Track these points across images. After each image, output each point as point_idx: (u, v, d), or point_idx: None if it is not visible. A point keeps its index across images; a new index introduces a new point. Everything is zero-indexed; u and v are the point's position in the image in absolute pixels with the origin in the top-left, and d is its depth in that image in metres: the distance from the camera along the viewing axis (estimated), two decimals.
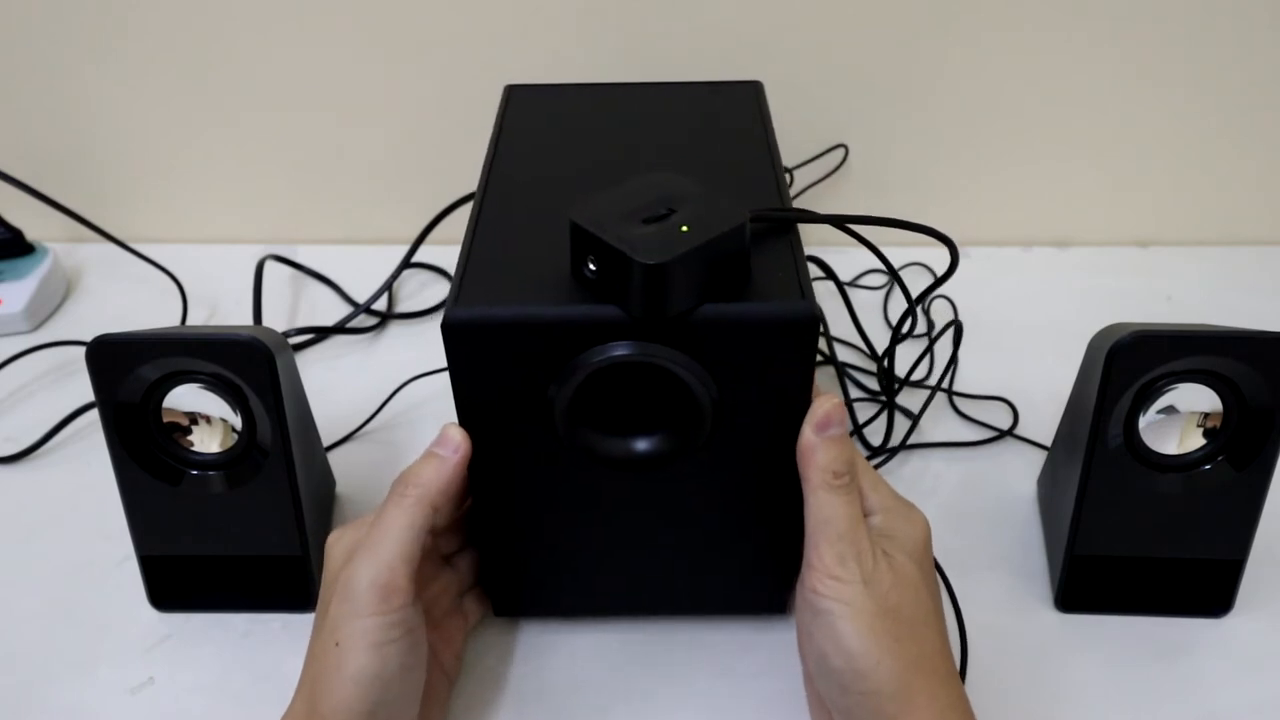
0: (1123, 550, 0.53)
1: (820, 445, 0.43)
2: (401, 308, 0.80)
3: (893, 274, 0.54)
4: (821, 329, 0.74)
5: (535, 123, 0.56)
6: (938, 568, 0.57)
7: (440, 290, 0.82)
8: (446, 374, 0.43)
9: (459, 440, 0.45)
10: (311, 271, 0.82)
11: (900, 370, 0.69)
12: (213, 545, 0.54)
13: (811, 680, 0.47)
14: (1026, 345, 0.74)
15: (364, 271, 0.81)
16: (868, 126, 0.80)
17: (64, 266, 0.82)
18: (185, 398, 0.51)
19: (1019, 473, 0.64)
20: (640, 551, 0.50)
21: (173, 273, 0.81)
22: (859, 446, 0.66)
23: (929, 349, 0.67)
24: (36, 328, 0.78)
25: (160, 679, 0.53)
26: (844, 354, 0.73)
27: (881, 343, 0.73)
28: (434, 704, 0.48)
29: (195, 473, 0.52)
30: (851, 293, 0.74)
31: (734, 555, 0.50)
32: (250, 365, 0.49)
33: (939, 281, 0.49)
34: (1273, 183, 0.82)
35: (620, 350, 0.41)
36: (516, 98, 0.59)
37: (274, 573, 0.55)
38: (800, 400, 0.43)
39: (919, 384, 0.70)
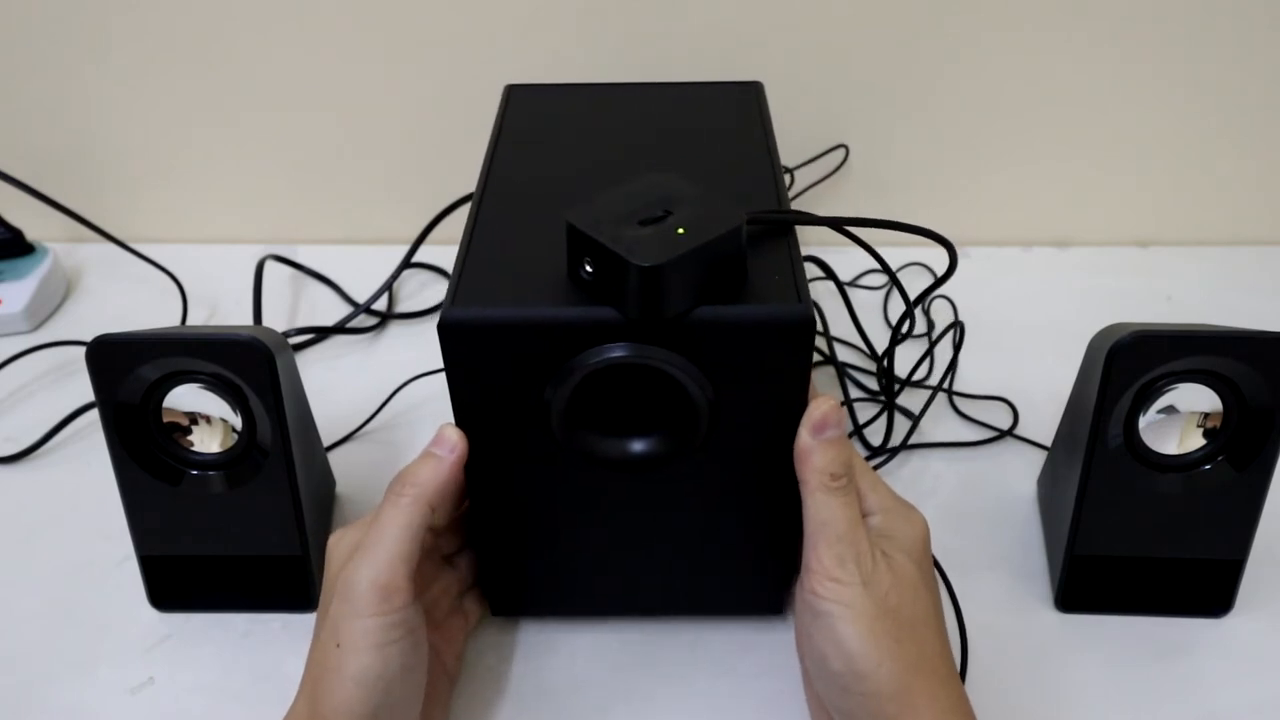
0: (1123, 550, 0.53)
1: (817, 447, 0.43)
2: (401, 308, 0.80)
3: (891, 276, 0.54)
4: (821, 329, 0.74)
5: (535, 123, 0.56)
6: (938, 567, 0.57)
7: (440, 290, 0.82)
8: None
9: (455, 440, 0.45)
10: (311, 271, 0.82)
11: (901, 370, 0.69)
12: (213, 545, 0.54)
13: (810, 681, 0.47)
14: (1026, 345, 0.74)
15: (364, 271, 0.81)
16: (868, 126, 0.80)
17: (64, 266, 0.82)
18: (185, 398, 0.51)
19: (1019, 473, 0.64)
20: (638, 552, 0.50)
21: (173, 273, 0.81)
22: (859, 447, 0.66)
23: (929, 350, 0.67)
24: (36, 328, 0.78)
25: (160, 679, 0.53)
26: (844, 354, 0.73)
27: (881, 343, 0.73)
28: (436, 704, 0.48)
29: (195, 473, 0.52)
30: (851, 293, 0.74)
31: (731, 556, 0.50)
32: (250, 365, 0.49)
33: (938, 283, 0.49)
34: (1273, 183, 0.82)
35: (616, 352, 0.41)
36: (516, 98, 0.59)
37: (274, 573, 0.55)
38: (797, 402, 0.43)
39: (919, 384, 0.70)
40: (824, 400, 0.44)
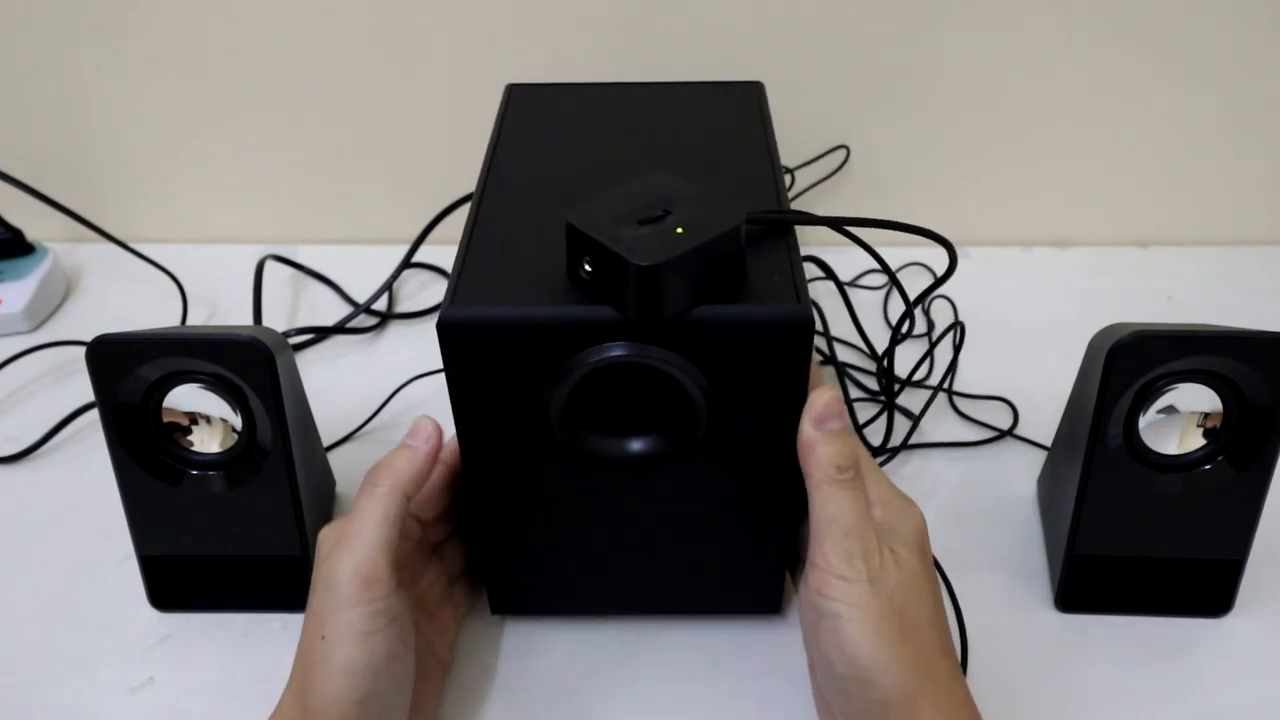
0: (1123, 550, 0.53)
1: (821, 439, 0.43)
2: (401, 308, 0.80)
3: (891, 276, 0.54)
4: (821, 329, 0.74)
5: (535, 123, 0.56)
6: (938, 567, 0.57)
7: (440, 290, 0.82)
8: None
9: (430, 430, 0.45)
10: (311, 271, 0.82)
11: (901, 370, 0.69)
12: (213, 545, 0.54)
13: (816, 677, 0.47)
14: (1026, 345, 0.74)
15: (364, 271, 0.81)
16: (868, 127, 0.80)
17: (64, 266, 0.82)
18: (185, 398, 0.51)
19: (1019, 473, 0.64)
20: (636, 551, 0.50)
21: (173, 273, 0.81)
22: None
23: (930, 351, 0.67)
24: (36, 328, 0.78)
25: (160, 679, 0.53)
26: (844, 354, 0.73)
27: (881, 343, 0.73)
28: (429, 693, 0.48)
29: (195, 473, 0.52)
30: (851, 293, 0.74)
31: (731, 556, 0.50)
32: (250, 365, 0.49)
33: (937, 283, 0.49)
34: (1273, 183, 0.82)
35: (615, 351, 0.41)
36: (516, 98, 0.59)
37: (274, 573, 0.55)
38: (796, 401, 0.43)
39: (919, 384, 0.70)
40: (824, 391, 0.43)
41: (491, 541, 0.50)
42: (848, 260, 0.76)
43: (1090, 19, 0.74)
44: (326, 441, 0.64)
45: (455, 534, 0.53)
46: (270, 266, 0.81)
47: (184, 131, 0.82)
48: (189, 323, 0.79)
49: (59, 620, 0.56)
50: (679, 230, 0.40)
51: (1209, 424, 0.51)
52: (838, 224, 0.47)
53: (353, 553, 0.43)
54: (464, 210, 0.66)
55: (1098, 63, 0.76)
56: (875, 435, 0.66)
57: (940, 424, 0.68)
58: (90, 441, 0.67)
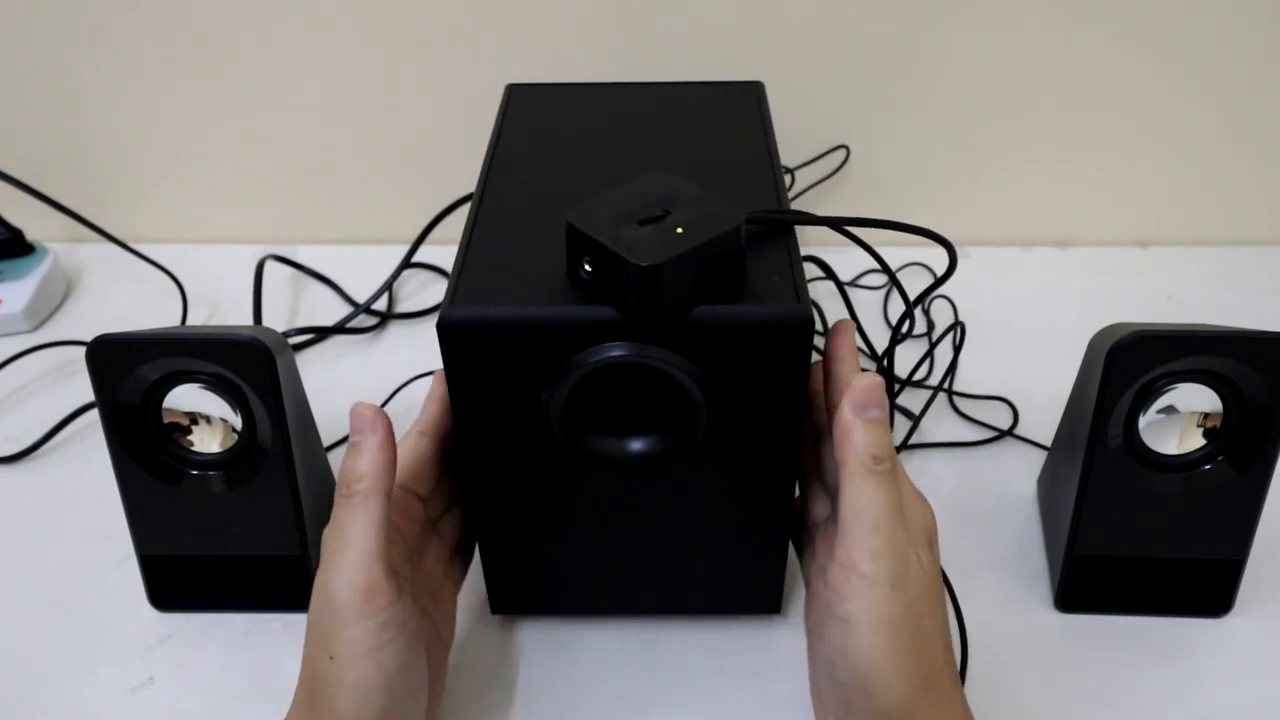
0: (1123, 550, 0.53)
1: (860, 426, 0.40)
2: (401, 308, 0.80)
3: (891, 276, 0.54)
4: (821, 329, 0.74)
5: (535, 123, 0.56)
6: None
7: (440, 290, 0.82)
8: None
9: (369, 417, 0.42)
10: (311, 271, 0.82)
11: (901, 370, 0.69)
12: (213, 545, 0.54)
13: (815, 677, 0.46)
14: (1026, 345, 0.74)
15: (364, 271, 0.81)
16: (868, 127, 0.80)
17: (64, 266, 0.82)
18: (185, 398, 0.51)
19: (1019, 473, 0.64)
20: (637, 551, 0.50)
21: (173, 273, 0.82)
22: None
23: (930, 351, 0.67)
24: (36, 328, 0.78)
25: (160, 679, 0.53)
26: None
27: (881, 343, 0.73)
28: (435, 679, 0.47)
29: (195, 473, 0.52)
30: (852, 293, 0.74)
31: (731, 556, 0.50)
32: (250, 365, 0.49)
33: (937, 283, 0.49)
34: (1273, 183, 0.82)
35: (615, 351, 0.41)
36: (516, 98, 0.59)
37: (274, 573, 0.55)
38: (796, 401, 0.43)
39: (919, 384, 0.70)
40: (869, 376, 0.41)
41: (491, 541, 0.50)
42: (848, 260, 0.76)
43: (1090, 19, 0.74)
44: (326, 441, 0.64)
45: (452, 505, 0.51)
46: (270, 266, 0.81)
47: (184, 131, 0.82)
48: (189, 323, 0.79)
49: (59, 620, 0.56)
50: (679, 230, 0.40)
51: (1209, 424, 0.51)
52: (838, 224, 0.47)
53: (346, 565, 0.41)
54: (464, 210, 0.66)
55: (1098, 63, 0.76)
56: None
57: (940, 424, 0.68)
58: (90, 441, 0.67)
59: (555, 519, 0.48)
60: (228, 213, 0.86)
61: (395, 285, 0.81)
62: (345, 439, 0.67)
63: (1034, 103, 0.78)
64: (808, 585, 0.48)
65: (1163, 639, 0.54)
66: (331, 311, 0.79)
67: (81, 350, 0.50)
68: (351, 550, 0.41)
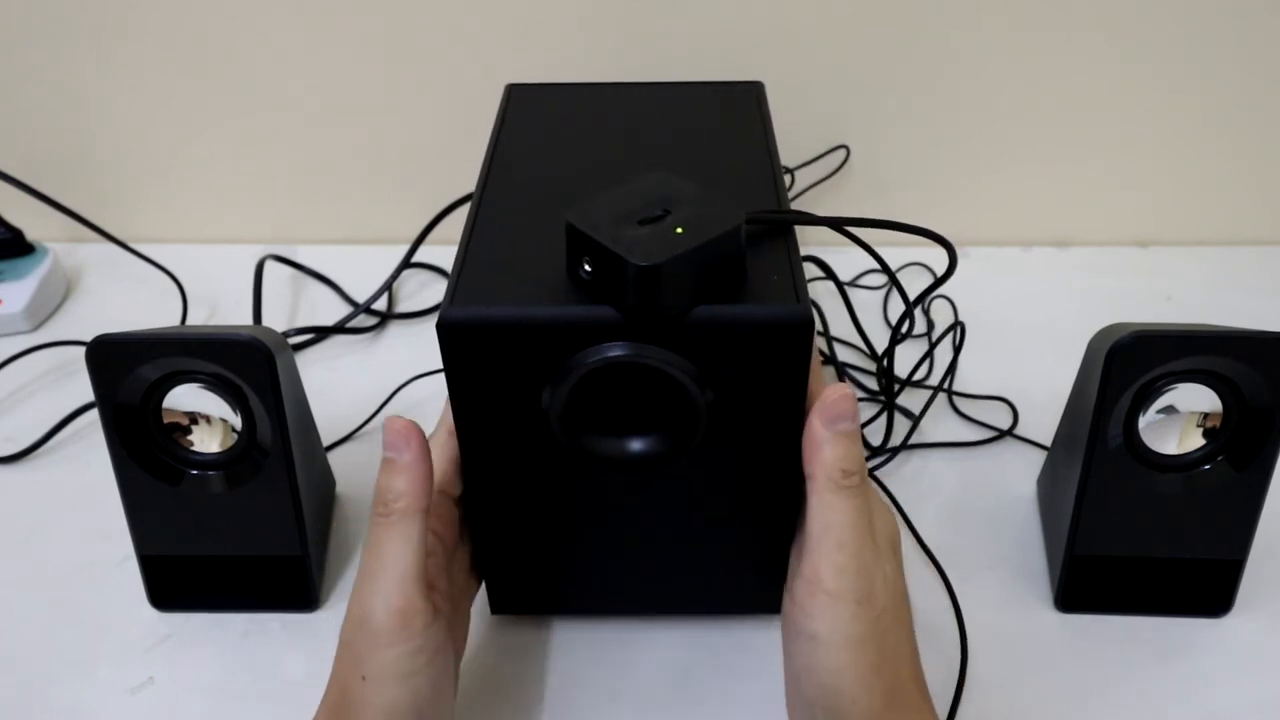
0: (1123, 550, 0.53)
1: (829, 440, 0.40)
2: (401, 308, 0.80)
3: (891, 276, 0.54)
4: (821, 329, 0.74)
5: (535, 123, 0.56)
6: (937, 567, 0.57)
7: (440, 290, 0.82)
8: None
9: (406, 434, 0.41)
10: (311, 271, 0.82)
11: (901, 370, 0.69)
12: (213, 545, 0.54)
13: (788, 689, 0.45)
14: (1026, 345, 0.74)
15: (364, 271, 0.81)
16: (868, 127, 0.80)
17: (64, 266, 0.82)
18: (185, 398, 0.51)
19: (1019, 473, 0.64)
20: (636, 551, 0.50)
21: (173, 273, 0.82)
22: None
23: (930, 351, 0.67)
24: (36, 328, 0.78)
25: (160, 679, 0.53)
26: (844, 354, 0.73)
27: (881, 343, 0.73)
28: (452, 688, 0.46)
29: (195, 473, 0.52)
30: (851, 293, 0.74)
31: (731, 555, 0.50)
32: (250, 365, 0.49)
33: (937, 283, 0.49)
34: (1273, 183, 0.82)
35: (615, 351, 0.41)
36: (516, 98, 0.59)
37: (274, 573, 0.56)
38: (796, 401, 0.43)
39: (919, 384, 0.70)
40: (839, 387, 0.40)
41: (491, 541, 0.50)
42: (848, 260, 0.76)
43: (1091, 19, 0.74)
44: (326, 441, 0.64)
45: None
46: (270, 266, 0.81)
47: (184, 131, 0.82)
48: (189, 323, 0.79)
49: (59, 620, 0.56)
50: (679, 230, 0.40)
51: (1209, 424, 0.51)
52: (838, 224, 0.47)
53: (384, 589, 0.40)
54: (464, 210, 0.67)
55: (1098, 63, 0.76)
56: (875, 435, 0.66)
57: (940, 424, 0.68)
58: (90, 441, 0.67)
59: (555, 519, 0.48)
60: (228, 213, 0.86)
61: (395, 285, 0.81)
62: (345, 439, 0.67)
63: (1034, 103, 0.78)
64: None
65: (1163, 639, 0.54)
66: (331, 311, 0.79)
67: (81, 350, 0.50)
68: (389, 572, 0.40)
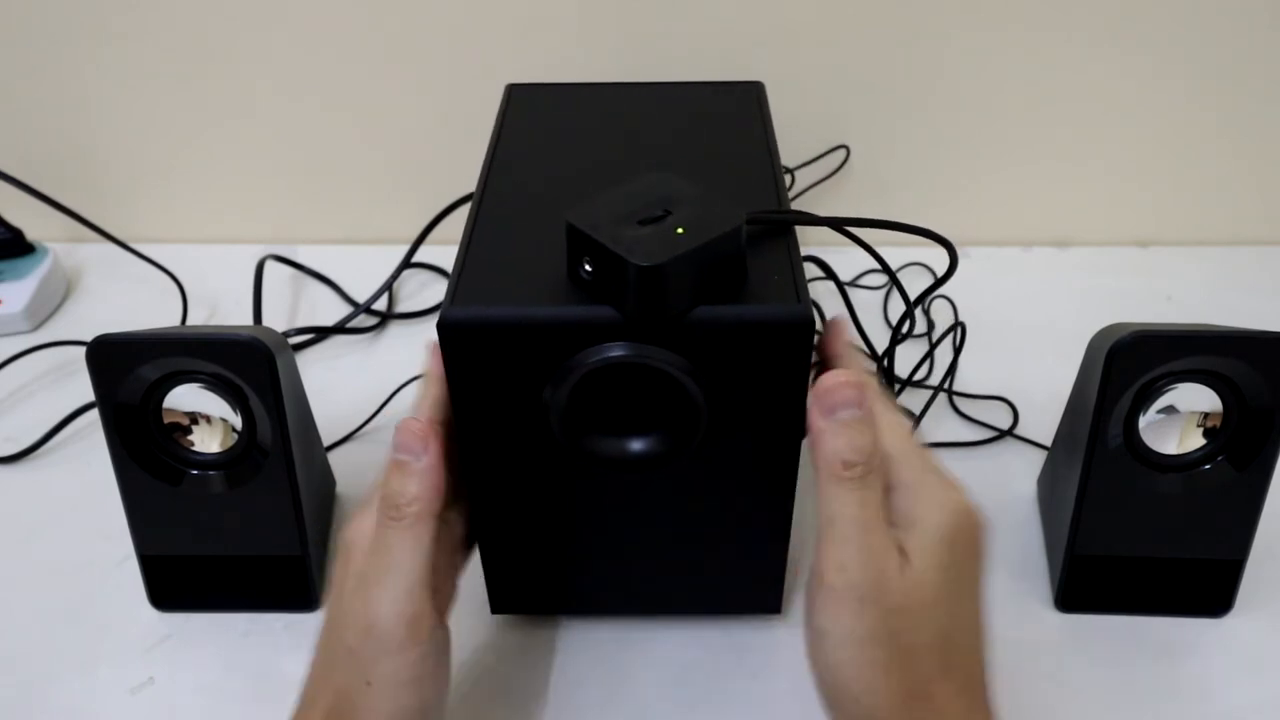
0: (1123, 550, 0.53)
1: (828, 430, 0.38)
2: (401, 308, 0.80)
3: (891, 276, 0.54)
4: (821, 329, 0.74)
5: (535, 123, 0.56)
6: None
7: (440, 290, 0.82)
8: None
9: (422, 434, 0.41)
10: (311, 271, 0.82)
11: (901, 370, 0.69)
12: (213, 545, 0.54)
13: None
14: (1026, 345, 0.74)
15: (364, 271, 0.81)
16: (869, 127, 0.80)
17: (64, 266, 0.82)
18: (185, 398, 0.51)
19: (1019, 473, 0.64)
20: (636, 551, 0.50)
21: (173, 273, 0.81)
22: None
23: (930, 352, 0.67)
24: (36, 328, 0.78)
25: (160, 679, 0.53)
26: None
27: (882, 343, 0.73)
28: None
29: (195, 473, 0.52)
30: (852, 292, 0.73)
31: (731, 556, 0.50)
32: (250, 365, 0.49)
33: (938, 283, 0.49)
34: (1273, 183, 0.82)
35: (615, 351, 0.41)
36: (516, 98, 0.59)
37: (274, 573, 0.55)
38: (796, 401, 0.43)
39: (919, 384, 0.70)
40: (836, 374, 0.39)
41: (491, 541, 0.50)
42: (848, 260, 0.76)
43: (1090, 19, 0.74)
44: (326, 441, 0.64)
45: (459, 495, 0.48)
46: (270, 266, 0.81)
47: (184, 131, 0.82)
48: (189, 323, 0.79)
49: (59, 620, 0.56)
50: (679, 230, 0.40)
51: (1209, 424, 0.51)
52: (838, 224, 0.47)
53: (392, 594, 0.40)
54: (464, 210, 0.66)
55: (1098, 62, 0.76)
56: None
57: (940, 424, 0.68)
58: (90, 441, 0.67)
59: (555, 519, 0.48)
60: (228, 213, 0.86)
61: (395, 285, 0.81)
62: (345, 439, 0.67)
63: (1034, 103, 0.78)
64: None
65: (1163, 639, 0.54)
66: (331, 311, 0.79)
67: (81, 350, 0.50)
68: (398, 576, 0.40)
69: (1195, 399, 0.50)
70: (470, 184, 0.51)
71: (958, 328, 0.67)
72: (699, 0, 0.74)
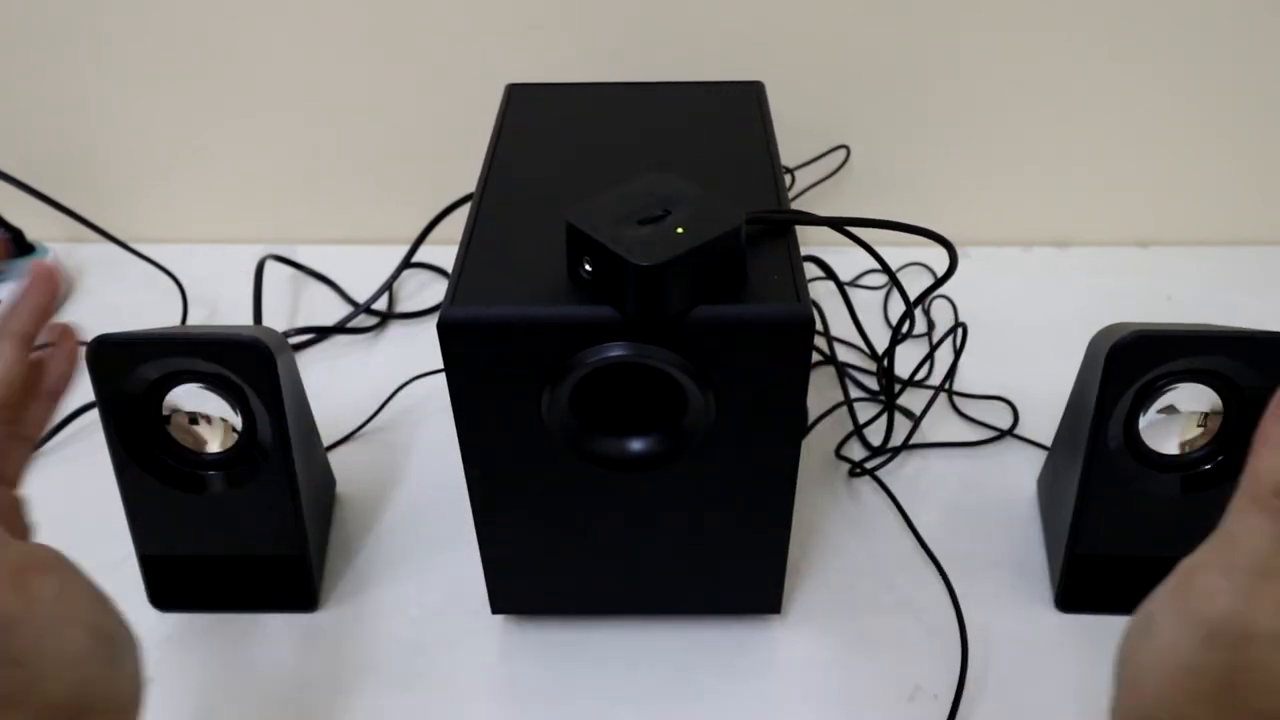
0: (1123, 550, 0.53)
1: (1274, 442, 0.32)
2: (401, 308, 0.80)
3: (891, 276, 0.54)
4: (821, 329, 0.74)
5: (535, 123, 0.56)
6: (938, 567, 0.57)
7: (440, 290, 0.82)
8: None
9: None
10: (311, 271, 0.82)
11: (902, 370, 0.69)
12: (213, 545, 0.54)
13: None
14: (1026, 345, 0.74)
15: (364, 271, 0.81)
16: (869, 127, 0.80)
17: (64, 266, 0.82)
18: (185, 398, 0.51)
19: (1019, 473, 0.64)
20: (637, 551, 0.50)
21: (173, 273, 0.81)
22: (858, 447, 0.66)
23: (930, 353, 0.67)
24: None
25: (160, 679, 0.53)
26: (844, 354, 0.73)
27: (882, 343, 0.73)
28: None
29: (195, 473, 0.52)
30: (852, 292, 0.74)
31: (731, 556, 0.50)
32: (250, 365, 0.49)
33: (938, 283, 0.49)
34: (1273, 183, 0.82)
35: (615, 351, 0.41)
36: (516, 98, 0.59)
37: (274, 573, 0.55)
38: (795, 401, 0.43)
39: (920, 384, 0.70)
40: None
41: (491, 541, 0.50)
42: (848, 260, 0.76)
43: (1090, 19, 0.74)
44: (326, 441, 0.64)
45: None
46: (270, 266, 0.81)
47: (184, 131, 0.82)
48: (189, 323, 0.79)
49: None
50: (679, 230, 0.40)
51: (1209, 424, 0.51)
52: (838, 224, 0.47)
53: None
54: (464, 210, 0.67)
55: (1098, 63, 0.76)
56: (875, 435, 0.66)
57: (941, 424, 0.68)
58: (90, 441, 0.67)
59: (555, 519, 0.48)
60: (228, 213, 0.86)
61: (395, 285, 0.81)
62: (345, 439, 0.67)
63: (1034, 103, 0.78)
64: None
65: None
66: (331, 311, 0.79)
67: (81, 350, 0.50)
68: None
69: (1195, 399, 0.50)
70: (470, 184, 0.51)
71: (958, 328, 0.67)
72: (699, 0, 0.74)
